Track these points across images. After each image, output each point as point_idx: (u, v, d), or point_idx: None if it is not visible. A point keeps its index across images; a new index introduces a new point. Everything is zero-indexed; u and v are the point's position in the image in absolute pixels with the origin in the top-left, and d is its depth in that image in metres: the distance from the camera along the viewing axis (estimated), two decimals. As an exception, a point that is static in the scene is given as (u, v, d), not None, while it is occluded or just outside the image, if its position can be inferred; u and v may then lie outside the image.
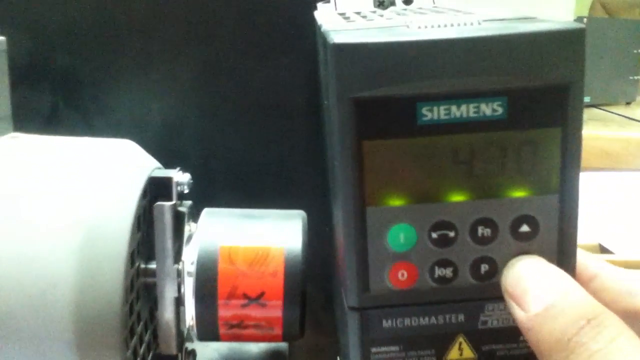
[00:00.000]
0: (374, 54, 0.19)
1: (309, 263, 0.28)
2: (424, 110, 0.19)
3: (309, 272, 0.29)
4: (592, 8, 1.51)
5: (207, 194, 0.31)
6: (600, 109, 1.23)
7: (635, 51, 1.21)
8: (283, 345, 0.35)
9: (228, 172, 0.38)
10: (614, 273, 0.21)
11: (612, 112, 1.20)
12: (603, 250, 0.82)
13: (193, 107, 0.37)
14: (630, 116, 1.17)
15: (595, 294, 0.21)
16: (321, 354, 0.41)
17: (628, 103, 1.27)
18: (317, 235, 0.30)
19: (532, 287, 0.19)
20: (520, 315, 0.19)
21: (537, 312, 0.18)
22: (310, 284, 0.38)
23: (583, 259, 0.22)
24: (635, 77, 1.24)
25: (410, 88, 0.19)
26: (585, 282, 0.21)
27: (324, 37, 0.21)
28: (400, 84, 0.19)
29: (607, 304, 0.21)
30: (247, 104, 0.37)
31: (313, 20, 0.31)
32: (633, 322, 0.20)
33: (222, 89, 0.37)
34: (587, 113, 1.18)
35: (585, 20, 1.13)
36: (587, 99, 1.17)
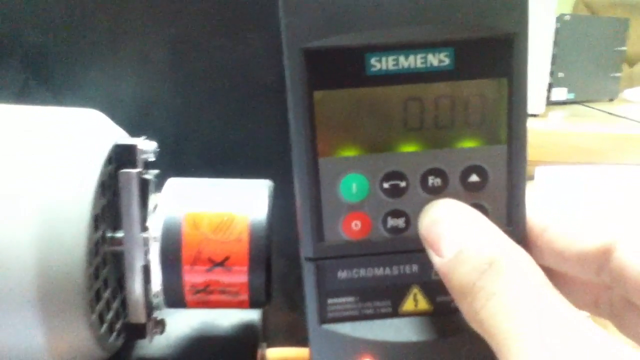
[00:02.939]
0: (322, 5, 0.19)
1: (277, 232, 0.29)
2: (373, 61, 0.20)
3: (281, 246, 0.29)
4: (575, 6, 1.53)
5: (179, 171, 0.31)
6: (583, 105, 1.24)
7: (617, 49, 1.23)
8: (255, 318, 0.36)
9: (200, 148, 0.38)
10: (564, 219, 0.22)
11: (595, 109, 1.22)
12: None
13: (164, 83, 0.37)
14: (613, 112, 1.18)
15: (549, 243, 0.21)
16: (295, 331, 0.41)
17: (611, 100, 1.29)
18: (291, 211, 0.31)
19: (444, 232, 0.19)
20: (437, 261, 0.19)
21: (449, 257, 0.18)
22: (285, 261, 0.39)
23: (535, 211, 0.22)
24: (618, 74, 1.26)
25: (359, 38, 0.19)
26: (538, 233, 0.22)
27: None
28: (350, 34, 0.19)
29: (560, 252, 0.21)
30: (218, 81, 0.37)
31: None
32: (585, 265, 0.21)
33: (192, 65, 0.37)
34: (571, 109, 1.19)
35: (568, 18, 1.14)
36: (570, 96, 1.19)
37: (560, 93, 1.17)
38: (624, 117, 1.11)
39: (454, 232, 0.19)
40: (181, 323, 0.35)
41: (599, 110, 1.20)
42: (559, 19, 1.09)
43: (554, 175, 0.88)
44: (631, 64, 1.52)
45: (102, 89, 0.37)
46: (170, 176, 0.30)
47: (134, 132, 0.30)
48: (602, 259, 0.20)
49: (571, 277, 0.22)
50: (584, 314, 0.17)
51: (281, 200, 0.30)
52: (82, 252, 0.25)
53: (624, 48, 1.22)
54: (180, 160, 0.38)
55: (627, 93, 1.38)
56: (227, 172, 0.38)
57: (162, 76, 0.37)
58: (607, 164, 0.97)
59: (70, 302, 0.25)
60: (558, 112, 1.13)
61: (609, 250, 0.20)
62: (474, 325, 0.18)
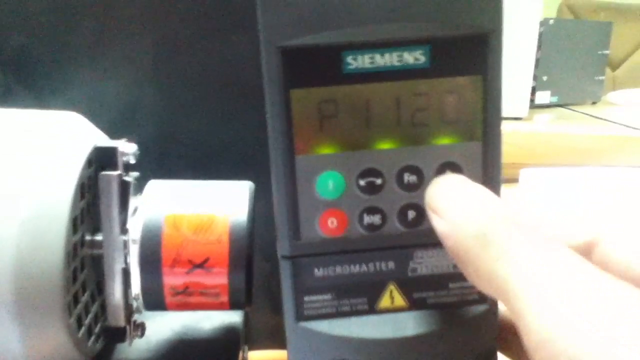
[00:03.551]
0: (299, 3, 0.19)
1: (259, 234, 0.29)
2: (349, 59, 0.20)
3: (264, 248, 0.29)
4: (559, 10, 1.54)
5: (162, 172, 0.31)
6: (567, 108, 1.25)
7: (600, 52, 1.24)
8: (237, 321, 0.35)
9: (183, 150, 0.38)
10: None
11: (579, 112, 1.23)
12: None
13: (149, 85, 0.37)
14: (597, 115, 1.20)
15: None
16: (278, 332, 0.41)
17: (594, 103, 1.30)
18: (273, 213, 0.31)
19: (451, 196, 0.19)
20: (440, 223, 0.19)
21: (455, 218, 0.18)
22: (267, 263, 0.38)
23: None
24: (601, 78, 1.27)
25: (335, 36, 0.19)
26: (584, 251, 0.22)
27: None
28: (325, 32, 0.19)
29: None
30: (204, 82, 0.37)
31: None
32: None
33: (176, 67, 0.37)
34: (555, 112, 1.20)
35: (552, 22, 1.15)
36: (554, 99, 1.20)
37: (543, 96, 1.18)
38: (608, 120, 1.12)
39: (460, 195, 0.19)
40: (162, 326, 0.35)
41: (583, 113, 1.21)
42: (543, 23, 1.11)
43: (538, 177, 0.88)
44: (614, 67, 1.54)
45: (85, 91, 0.36)
46: (154, 178, 0.30)
47: (117, 134, 0.30)
48: (587, 255, 0.20)
49: None
50: None
51: (264, 202, 0.30)
52: (60, 254, 0.24)
53: (607, 52, 1.24)
54: (163, 162, 0.38)
55: (611, 96, 1.39)
56: (210, 174, 0.38)
57: (146, 78, 0.37)
58: (592, 166, 0.98)
59: (47, 305, 0.24)
60: (542, 115, 1.14)
61: (593, 246, 0.20)
62: (482, 283, 0.18)
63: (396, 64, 0.20)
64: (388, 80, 0.20)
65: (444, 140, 0.21)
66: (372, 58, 0.20)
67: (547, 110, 1.20)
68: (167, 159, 0.39)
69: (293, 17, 0.19)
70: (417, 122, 0.21)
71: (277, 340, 0.42)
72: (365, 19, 0.19)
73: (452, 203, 0.19)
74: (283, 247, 0.21)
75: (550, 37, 1.14)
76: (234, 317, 0.36)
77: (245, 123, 0.38)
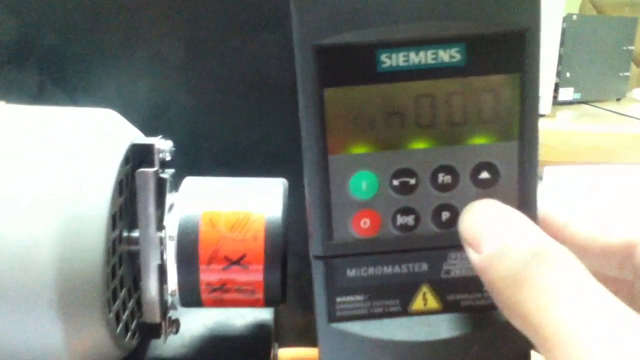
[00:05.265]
0: (333, 2, 0.19)
1: (291, 232, 0.29)
2: (384, 57, 0.20)
3: (295, 246, 0.29)
4: (582, 6, 1.52)
5: (194, 169, 0.32)
6: (591, 105, 1.24)
7: (624, 48, 1.22)
8: (268, 318, 0.36)
9: (215, 148, 0.38)
10: (583, 218, 0.22)
11: (603, 109, 1.21)
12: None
13: (179, 85, 0.37)
14: (621, 112, 1.18)
15: (571, 238, 0.21)
16: (308, 330, 0.41)
17: (618, 99, 1.28)
18: (304, 211, 0.31)
19: (485, 229, 0.19)
20: (475, 257, 0.19)
21: (490, 252, 0.18)
22: (298, 261, 0.39)
23: (555, 207, 0.22)
24: (625, 74, 1.25)
25: (370, 35, 0.19)
26: (560, 228, 0.22)
27: None
28: (360, 30, 0.19)
29: (582, 247, 0.21)
30: (233, 81, 0.37)
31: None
32: (607, 259, 0.21)
33: (207, 66, 0.37)
34: (579, 109, 1.19)
35: (575, 17, 1.14)
36: (577, 96, 1.18)
37: (567, 93, 1.16)
38: (633, 117, 1.11)
39: (495, 228, 0.19)
40: (195, 322, 0.35)
41: (607, 110, 1.20)
42: (566, 18, 1.09)
43: (563, 175, 0.87)
44: (639, 63, 1.52)
45: (117, 89, 0.37)
46: (184, 175, 0.30)
47: (148, 132, 0.30)
48: (624, 255, 0.20)
49: (592, 272, 0.22)
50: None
51: (294, 199, 0.30)
52: (100, 251, 0.25)
53: (632, 47, 1.22)
54: (194, 159, 0.38)
55: (636, 92, 1.37)
56: (241, 171, 0.38)
57: (176, 77, 0.37)
58: (617, 164, 0.96)
59: (88, 301, 0.25)
60: (566, 112, 1.13)
61: (632, 247, 0.19)
62: (515, 319, 0.18)
63: (431, 62, 0.20)
64: (423, 78, 0.20)
65: (480, 140, 0.21)
66: (406, 56, 0.20)
67: (570, 107, 1.19)
68: (197, 156, 0.39)
69: (327, 16, 0.19)
70: (452, 121, 0.20)
71: (306, 337, 0.42)
72: (399, 17, 0.19)
73: (486, 239, 0.19)
74: (316, 247, 0.21)
75: (574, 33, 1.12)
76: (265, 315, 0.36)
77: (274, 121, 0.38)
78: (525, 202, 0.21)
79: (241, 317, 0.36)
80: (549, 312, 0.16)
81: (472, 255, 0.19)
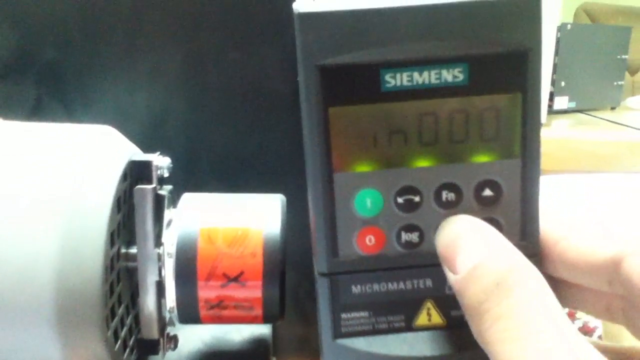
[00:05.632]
0: (338, 22, 0.19)
1: (288, 245, 0.29)
2: (388, 77, 0.20)
3: (292, 259, 0.30)
4: (576, 15, 1.53)
5: (192, 184, 0.32)
6: (585, 114, 1.24)
7: (619, 57, 1.23)
8: (266, 332, 0.36)
9: (213, 162, 0.38)
10: (574, 234, 0.22)
11: (598, 117, 1.22)
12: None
13: (178, 98, 0.37)
14: (616, 120, 1.18)
15: (562, 254, 0.21)
16: (307, 344, 0.41)
17: (613, 108, 1.29)
18: (302, 224, 0.31)
19: (459, 248, 0.19)
20: (451, 277, 0.19)
21: (462, 275, 0.18)
22: (295, 274, 0.39)
23: (548, 222, 0.22)
24: (620, 83, 1.26)
25: (374, 54, 0.19)
26: (551, 245, 0.22)
27: (293, 14, 0.22)
28: (364, 50, 0.19)
29: (573, 264, 0.21)
30: (232, 95, 0.37)
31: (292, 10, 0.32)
32: (598, 276, 0.21)
33: (206, 80, 0.37)
34: (574, 118, 1.20)
35: (569, 27, 1.15)
36: (572, 105, 1.19)
37: (562, 102, 1.17)
38: (627, 126, 1.11)
39: (467, 249, 0.19)
40: (192, 337, 0.35)
41: (602, 118, 1.20)
42: (561, 28, 1.10)
43: (558, 183, 0.88)
44: (633, 72, 1.53)
45: (115, 103, 0.37)
46: (182, 190, 0.30)
47: (147, 146, 0.30)
48: (612, 271, 0.20)
49: (585, 286, 0.22)
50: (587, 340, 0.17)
51: (292, 214, 0.31)
52: (99, 268, 0.25)
53: (626, 56, 1.23)
54: (192, 174, 0.38)
55: (630, 101, 1.38)
56: (239, 185, 0.39)
57: (175, 90, 0.37)
58: (612, 172, 0.97)
59: (86, 318, 0.25)
60: (561, 121, 1.13)
61: (618, 262, 0.20)
62: (482, 346, 0.18)
63: (434, 81, 0.20)
64: (426, 98, 0.20)
65: (483, 158, 0.21)
66: (410, 76, 0.20)
67: (565, 115, 1.20)
68: (195, 170, 0.39)
69: (331, 36, 0.19)
70: (456, 139, 0.21)
71: (304, 350, 0.42)
72: (403, 37, 0.19)
73: (460, 259, 0.19)
74: (321, 265, 0.22)
75: (568, 42, 1.13)
76: (262, 329, 0.36)
77: (273, 134, 0.38)
78: (528, 219, 0.21)
79: (238, 332, 0.36)
80: (504, 344, 0.16)
81: (449, 275, 0.19)
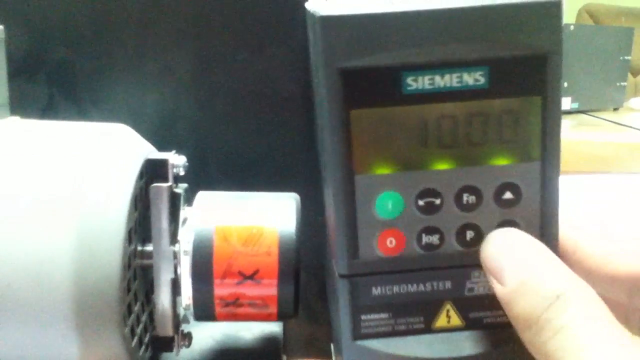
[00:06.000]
0: (360, 25, 0.19)
1: (302, 243, 0.29)
2: (409, 80, 0.20)
3: (303, 258, 0.30)
4: (578, 15, 1.53)
5: (202, 184, 0.32)
6: (588, 114, 1.25)
7: (621, 58, 1.24)
8: (277, 330, 0.36)
9: (223, 162, 0.39)
10: (591, 243, 0.22)
11: (601, 118, 1.22)
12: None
13: (188, 98, 0.38)
14: (618, 121, 1.19)
15: (579, 263, 0.22)
16: (316, 342, 0.41)
17: (615, 109, 1.30)
18: (311, 224, 0.31)
19: (508, 262, 0.19)
20: (499, 289, 0.19)
21: (512, 288, 0.19)
22: (305, 274, 0.39)
23: (564, 230, 0.22)
24: (622, 84, 1.26)
25: (396, 57, 0.20)
26: (569, 252, 0.22)
27: (311, 16, 0.22)
28: (386, 53, 0.20)
29: (590, 272, 0.21)
30: (241, 95, 0.37)
31: (304, 10, 0.32)
32: (616, 286, 0.21)
33: (216, 80, 0.37)
34: (576, 119, 1.20)
35: (572, 27, 1.15)
36: (575, 105, 1.19)
37: (565, 103, 1.17)
38: (630, 127, 1.12)
39: (517, 261, 0.19)
40: (204, 335, 0.35)
41: (605, 119, 1.21)
42: (564, 28, 1.10)
43: (562, 184, 0.88)
44: (635, 73, 1.53)
45: (126, 102, 0.37)
46: (191, 187, 0.31)
47: (157, 144, 0.31)
48: (632, 285, 0.20)
49: (602, 295, 0.22)
50: None
51: (302, 213, 0.31)
52: (117, 266, 0.25)
53: (629, 57, 1.23)
54: (202, 172, 0.38)
55: (633, 102, 1.38)
56: (247, 184, 0.39)
57: (185, 90, 0.37)
58: (615, 173, 0.97)
59: (104, 316, 0.25)
60: (563, 122, 1.13)
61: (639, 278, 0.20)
62: (538, 356, 0.18)
63: (455, 84, 0.20)
64: (447, 100, 0.20)
65: (503, 161, 0.21)
66: (431, 79, 0.20)
67: (568, 116, 1.20)
68: (205, 169, 0.39)
69: (353, 39, 0.19)
70: (476, 142, 0.21)
71: (312, 349, 0.42)
72: (425, 40, 0.20)
73: (508, 272, 0.19)
74: (341, 266, 0.22)
75: (571, 43, 1.14)
76: (274, 327, 0.36)
77: (281, 134, 0.38)
78: (547, 223, 0.21)
79: (250, 330, 0.36)
80: (569, 355, 0.16)
81: (496, 286, 0.19)
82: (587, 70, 1.19)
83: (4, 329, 0.24)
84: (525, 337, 0.18)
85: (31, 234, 0.24)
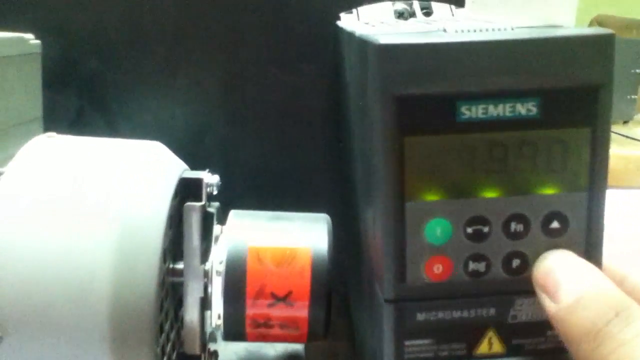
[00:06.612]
0: (418, 54, 0.20)
1: (334, 264, 0.29)
2: (463, 109, 0.20)
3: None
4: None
5: (228, 199, 0.32)
6: (598, 127, 1.24)
7: (633, 71, 1.23)
8: (299, 349, 0.36)
9: (249, 177, 0.39)
10: None
11: (611, 131, 1.22)
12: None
13: (216, 113, 0.38)
14: (629, 135, 1.18)
15: (630, 293, 0.22)
16: (336, 358, 0.41)
17: (625, 122, 1.29)
18: (334, 240, 0.31)
19: (562, 279, 0.20)
20: (551, 306, 0.20)
21: (568, 303, 0.19)
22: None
23: (612, 261, 0.22)
24: (633, 97, 1.26)
25: (451, 86, 0.20)
26: (619, 282, 0.22)
27: (361, 41, 0.22)
28: (442, 82, 0.20)
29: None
30: (269, 111, 0.38)
31: (335, 29, 0.32)
32: None
33: (245, 95, 0.37)
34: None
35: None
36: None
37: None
38: (641, 140, 1.11)
39: (574, 277, 0.20)
40: (227, 352, 0.35)
41: (615, 132, 1.20)
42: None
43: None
44: (645, 86, 1.53)
45: (156, 116, 0.37)
46: (219, 202, 0.31)
47: (185, 159, 0.31)
48: None
49: None
50: None
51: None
52: (153, 285, 0.25)
53: (639, 70, 1.23)
54: (229, 187, 0.38)
55: (643, 115, 1.38)
56: (274, 200, 0.39)
57: (215, 105, 0.37)
58: (625, 187, 0.97)
59: (139, 336, 0.25)
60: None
61: None
62: None
63: (508, 114, 0.20)
64: (499, 130, 0.20)
65: (550, 190, 0.21)
66: (485, 108, 0.20)
67: (578, 129, 1.19)
68: (231, 184, 0.39)
69: (408, 66, 0.20)
70: (525, 171, 0.21)
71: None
72: (480, 70, 0.20)
73: (563, 289, 0.19)
74: (387, 290, 0.22)
75: (583, 56, 1.13)
76: (296, 345, 0.36)
77: (310, 151, 0.38)
78: (592, 253, 0.22)
79: (273, 347, 0.36)
80: None
81: (549, 304, 0.19)
82: (597, 83, 1.18)
83: (42, 348, 0.24)
84: (582, 351, 0.18)
85: (69, 252, 0.24)
